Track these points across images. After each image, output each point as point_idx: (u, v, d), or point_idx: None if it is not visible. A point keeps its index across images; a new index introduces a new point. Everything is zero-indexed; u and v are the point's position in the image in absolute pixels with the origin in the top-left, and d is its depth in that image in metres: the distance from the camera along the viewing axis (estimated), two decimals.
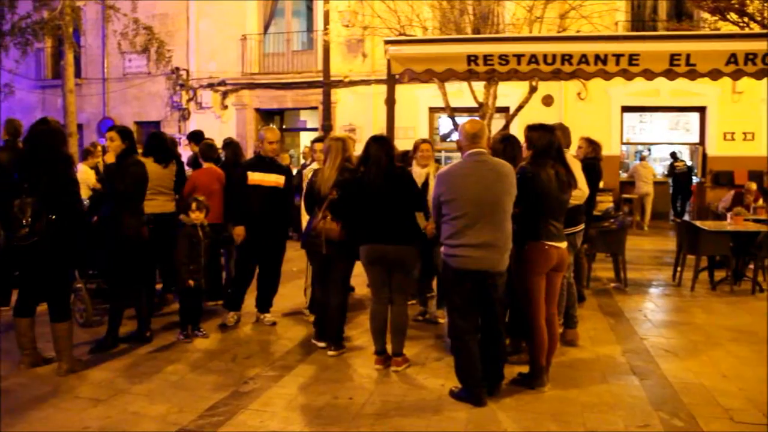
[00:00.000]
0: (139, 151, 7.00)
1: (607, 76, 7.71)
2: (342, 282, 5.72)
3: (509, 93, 13.47)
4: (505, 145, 5.24)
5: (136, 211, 5.80)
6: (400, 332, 5.24)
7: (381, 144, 5.22)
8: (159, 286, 7.39)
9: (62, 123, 6.60)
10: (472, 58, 7.34)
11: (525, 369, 4.90)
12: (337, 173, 5.48)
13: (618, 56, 7.09)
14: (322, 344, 5.74)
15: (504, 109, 13.87)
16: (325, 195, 5.47)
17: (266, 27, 18.88)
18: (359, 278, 8.07)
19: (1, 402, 4.50)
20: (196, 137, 8.10)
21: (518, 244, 4.68)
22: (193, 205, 6.14)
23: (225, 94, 19.06)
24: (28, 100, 20.75)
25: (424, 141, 6.72)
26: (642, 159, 17.14)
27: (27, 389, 4.80)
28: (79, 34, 15.91)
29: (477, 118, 5.54)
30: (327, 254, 5.54)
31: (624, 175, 17.06)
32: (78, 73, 18.63)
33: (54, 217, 4.85)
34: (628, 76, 7.58)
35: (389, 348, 5.30)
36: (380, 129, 15.49)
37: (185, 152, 9.15)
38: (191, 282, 5.95)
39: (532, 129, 4.90)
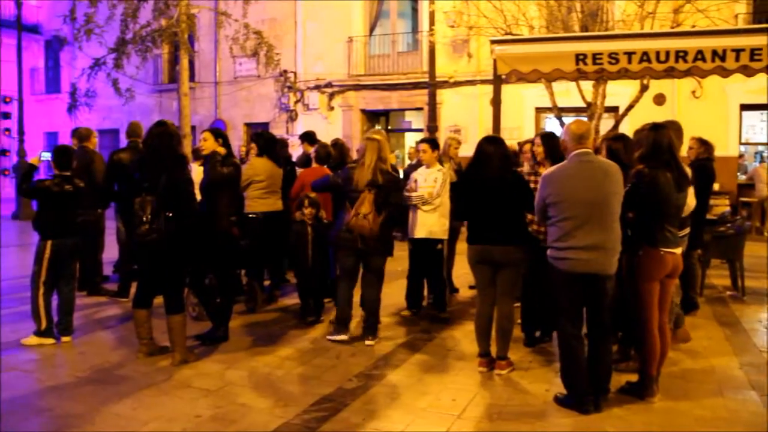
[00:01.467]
0: (253, 152, 7.26)
1: (726, 73, 7.30)
2: (379, 276, 6.00)
3: (619, 92, 13.01)
4: (624, 143, 5.06)
5: (227, 210, 5.99)
6: (506, 335, 5.18)
7: (496, 145, 5.17)
8: (267, 283, 7.64)
9: (177, 125, 6.91)
10: (580, 57, 7.16)
11: (633, 377, 4.73)
12: (373, 173, 5.71)
13: (738, 51, 6.73)
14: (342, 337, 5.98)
15: (613, 109, 13.43)
16: (358, 192, 5.68)
17: (372, 29, 19.08)
18: (462, 279, 8.06)
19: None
20: (309, 138, 8.30)
21: (632, 250, 4.53)
22: (306, 202, 6.40)
23: (331, 96, 19.41)
24: (146, 104, 21.89)
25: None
26: (762, 160, 16.18)
27: (144, 377, 5.05)
28: (193, 40, 16.62)
29: (583, 119, 5.39)
30: (360, 249, 5.78)
31: (742, 178, 16.15)
32: (192, 77, 19.48)
33: (170, 214, 5.10)
34: (749, 72, 7.17)
35: (493, 350, 5.25)
36: (486, 130, 15.34)
37: (295, 152, 9.39)
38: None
39: (640, 129, 4.76)
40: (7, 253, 11.99)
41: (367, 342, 5.89)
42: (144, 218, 5.02)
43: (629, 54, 7.03)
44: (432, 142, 7.00)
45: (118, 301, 7.51)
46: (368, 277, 5.98)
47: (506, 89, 9.94)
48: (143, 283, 5.49)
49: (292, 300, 7.36)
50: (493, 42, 7.86)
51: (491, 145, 5.17)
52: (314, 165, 7.32)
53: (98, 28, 14.95)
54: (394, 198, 5.88)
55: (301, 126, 19.01)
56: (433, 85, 16.59)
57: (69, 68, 24.32)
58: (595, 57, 7.15)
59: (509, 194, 5.06)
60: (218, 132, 6.17)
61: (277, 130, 19.07)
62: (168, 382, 4.95)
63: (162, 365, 5.31)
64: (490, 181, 5.05)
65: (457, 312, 7.15)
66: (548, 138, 5.81)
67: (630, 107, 11.57)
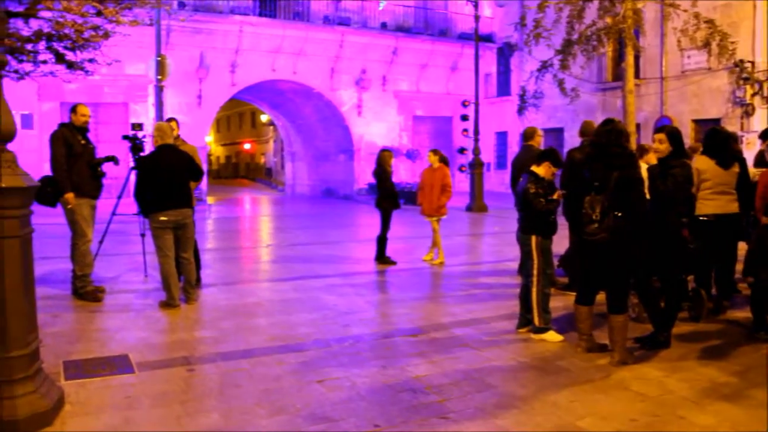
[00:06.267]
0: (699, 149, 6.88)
1: None
2: None
3: None
4: None
5: (677, 212, 5.71)
6: None
7: None
8: (715, 291, 7.14)
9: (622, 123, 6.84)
10: None
11: None
12: None
13: None
14: None
15: None
16: None
17: None
18: None
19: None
20: None
21: None
22: None
23: None
24: (589, 103, 22.25)
25: None
26: None
27: (582, 371, 5.17)
28: (638, 35, 16.30)
29: None
30: None
31: None
32: (636, 74, 19.11)
33: (620, 214, 5.10)
34: None
35: None
36: None
37: (748, 152, 8.57)
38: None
39: None
40: (464, 241, 13.55)
41: None
42: (593, 217, 5.11)
43: None
44: None
45: (565, 294, 7.76)
46: None
47: None
48: (587, 280, 5.60)
49: (743, 313, 6.74)
50: None
51: None
52: None
53: (546, 31, 15.74)
54: None
55: (758, 121, 17.24)
56: None
57: (518, 72, 26.11)
58: None
59: None
60: (674, 135, 5.86)
61: (730, 126, 17.59)
62: (605, 380, 4.97)
63: (600, 363, 5.34)
64: None
65: None
66: None
67: None
